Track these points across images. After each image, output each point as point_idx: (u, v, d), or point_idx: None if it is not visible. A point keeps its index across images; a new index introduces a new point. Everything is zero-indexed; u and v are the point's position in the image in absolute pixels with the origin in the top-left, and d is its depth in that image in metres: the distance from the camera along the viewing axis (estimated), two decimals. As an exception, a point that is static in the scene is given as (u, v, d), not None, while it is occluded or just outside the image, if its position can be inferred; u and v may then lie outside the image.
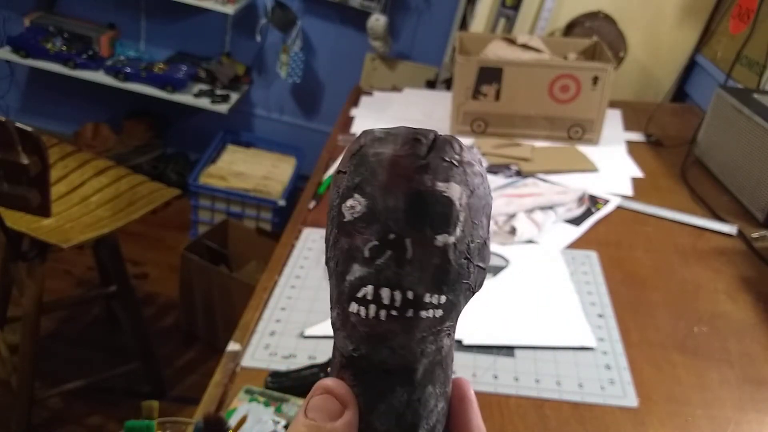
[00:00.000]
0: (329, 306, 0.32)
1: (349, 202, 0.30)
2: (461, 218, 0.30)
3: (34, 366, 1.55)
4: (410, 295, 0.29)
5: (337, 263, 0.31)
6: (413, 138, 0.31)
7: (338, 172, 0.31)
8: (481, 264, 0.32)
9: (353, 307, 0.30)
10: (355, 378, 0.30)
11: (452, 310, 0.31)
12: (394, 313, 0.29)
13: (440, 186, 0.30)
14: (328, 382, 0.30)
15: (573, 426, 0.77)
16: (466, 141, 1.45)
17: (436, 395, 0.31)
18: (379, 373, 0.30)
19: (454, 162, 0.30)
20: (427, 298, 0.30)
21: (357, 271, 0.30)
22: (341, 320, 0.30)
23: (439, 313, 0.30)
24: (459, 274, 0.31)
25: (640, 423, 0.78)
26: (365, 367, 0.30)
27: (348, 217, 0.30)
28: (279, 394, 0.76)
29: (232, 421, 0.71)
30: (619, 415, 0.79)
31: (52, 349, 1.93)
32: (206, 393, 0.79)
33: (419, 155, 0.30)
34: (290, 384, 0.78)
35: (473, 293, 0.32)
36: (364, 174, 0.30)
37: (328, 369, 0.33)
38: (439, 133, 0.31)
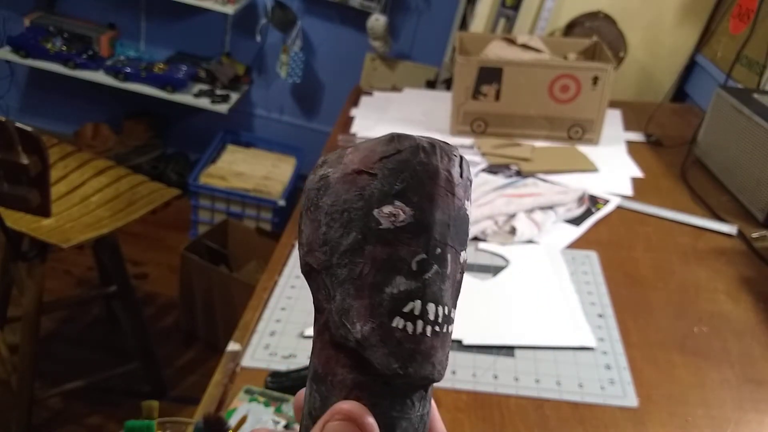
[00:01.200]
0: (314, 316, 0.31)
1: (388, 209, 0.28)
2: (470, 235, 0.32)
3: (34, 366, 1.55)
4: (446, 310, 0.30)
5: (368, 273, 0.29)
6: (453, 154, 0.30)
7: (359, 172, 0.30)
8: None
9: (398, 322, 0.28)
10: (377, 397, 0.29)
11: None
12: (437, 329, 0.29)
13: (466, 204, 0.31)
14: (347, 406, 0.28)
15: (573, 426, 0.77)
16: (466, 141, 1.45)
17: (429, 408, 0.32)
18: (401, 391, 0.29)
19: (469, 180, 0.31)
20: (453, 314, 0.30)
21: (402, 284, 0.28)
22: (380, 336, 0.28)
23: (453, 327, 0.31)
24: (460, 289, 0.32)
25: (640, 423, 0.78)
26: (397, 386, 0.29)
27: (386, 224, 0.28)
28: (279, 394, 0.76)
29: (232, 421, 0.71)
30: (619, 415, 0.79)
31: (52, 349, 1.93)
32: (206, 393, 0.79)
33: (456, 173, 0.30)
34: (290, 384, 0.78)
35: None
36: (408, 182, 0.29)
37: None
38: (459, 151, 0.32)
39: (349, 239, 0.29)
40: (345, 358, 0.29)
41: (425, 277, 0.28)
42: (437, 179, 0.29)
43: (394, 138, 0.30)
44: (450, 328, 0.30)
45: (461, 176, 0.30)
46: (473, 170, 1.33)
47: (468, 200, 0.31)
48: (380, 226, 0.28)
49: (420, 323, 0.28)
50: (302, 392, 0.32)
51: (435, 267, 0.29)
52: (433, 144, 0.30)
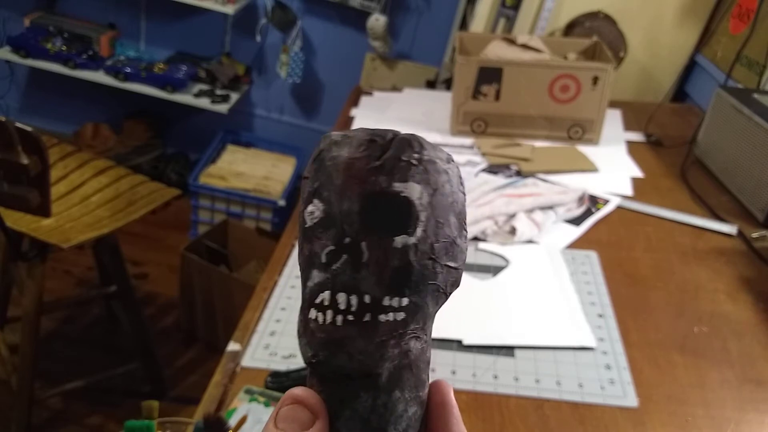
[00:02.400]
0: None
1: (309, 208, 0.30)
2: (422, 218, 0.30)
3: (34, 366, 1.55)
4: (367, 299, 0.29)
5: (301, 270, 0.31)
6: (368, 139, 0.30)
7: (304, 177, 0.31)
8: (450, 263, 0.31)
9: (312, 313, 0.30)
10: (321, 385, 0.30)
11: (417, 313, 0.30)
12: (350, 317, 0.29)
13: (397, 186, 0.29)
14: (297, 391, 0.29)
15: (573, 426, 0.77)
16: (466, 141, 1.45)
17: (406, 400, 0.30)
18: (342, 379, 0.30)
19: (413, 161, 0.30)
20: (386, 302, 0.29)
21: (315, 276, 0.30)
22: (302, 327, 0.30)
23: (400, 316, 0.29)
24: (423, 275, 0.30)
25: (640, 423, 0.78)
26: (327, 374, 0.30)
27: (309, 222, 0.30)
28: (279, 394, 0.76)
29: (232, 421, 0.71)
30: (619, 415, 0.79)
31: (52, 349, 1.93)
32: (206, 393, 0.79)
33: (374, 156, 0.30)
34: (290, 384, 0.78)
35: (445, 294, 0.31)
36: (321, 179, 0.30)
37: None
38: (400, 133, 0.31)
39: (298, 242, 0.31)
40: None
41: (333, 268, 0.29)
42: (345, 170, 0.29)
43: (320, 140, 0.31)
44: (385, 316, 0.29)
45: (401, 159, 0.30)
46: (473, 170, 1.33)
47: (408, 180, 0.29)
48: (306, 225, 0.30)
49: (330, 313, 0.29)
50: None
51: (344, 257, 0.29)
52: (347, 135, 0.31)
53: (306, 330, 0.30)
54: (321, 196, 0.30)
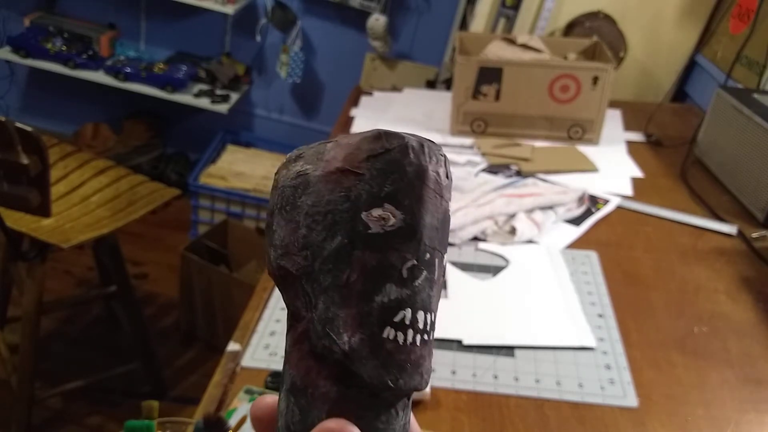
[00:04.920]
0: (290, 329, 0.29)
1: (377, 212, 0.27)
2: None
3: (34, 366, 1.55)
4: (433, 317, 0.29)
5: (356, 280, 0.27)
6: (440, 153, 0.29)
7: (343, 171, 0.28)
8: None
9: (389, 332, 0.27)
10: (362, 410, 0.28)
11: None
12: (425, 337, 0.28)
13: (450, 206, 0.30)
14: (333, 425, 0.27)
15: (573, 426, 0.77)
16: (466, 141, 1.45)
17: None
18: (386, 402, 0.28)
19: (451, 182, 0.31)
20: (437, 319, 0.29)
21: (393, 292, 0.27)
22: (370, 347, 0.27)
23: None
24: None
25: (640, 423, 0.78)
26: (384, 397, 0.28)
27: (375, 228, 0.27)
28: (279, 394, 0.76)
29: (232, 421, 0.71)
30: (619, 415, 0.79)
31: (52, 349, 1.93)
32: (206, 393, 0.79)
33: (446, 173, 0.29)
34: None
35: None
36: (398, 184, 0.27)
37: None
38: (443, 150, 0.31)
39: (334, 243, 0.27)
40: (327, 370, 0.28)
41: (416, 284, 0.27)
42: (427, 181, 0.28)
43: (381, 135, 0.28)
44: (434, 334, 0.29)
45: (447, 177, 0.30)
46: (473, 170, 1.33)
47: (450, 201, 0.30)
48: (369, 231, 0.27)
49: (410, 332, 0.27)
50: (262, 401, 0.30)
51: (425, 273, 0.28)
52: (421, 143, 0.28)
53: (377, 351, 0.27)
54: (399, 203, 0.27)
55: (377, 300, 0.27)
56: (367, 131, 0.29)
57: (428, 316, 0.28)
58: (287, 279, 0.28)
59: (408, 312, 0.27)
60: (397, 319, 0.27)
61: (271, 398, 0.30)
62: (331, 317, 0.27)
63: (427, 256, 0.28)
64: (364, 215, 0.27)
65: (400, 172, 0.27)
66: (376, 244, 0.27)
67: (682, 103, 1.84)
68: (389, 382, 0.27)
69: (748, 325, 0.96)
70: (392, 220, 0.27)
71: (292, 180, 0.29)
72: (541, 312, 0.96)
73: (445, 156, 0.30)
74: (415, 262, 0.27)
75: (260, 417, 0.30)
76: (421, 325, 0.28)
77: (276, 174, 0.30)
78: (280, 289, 0.29)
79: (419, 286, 0.27)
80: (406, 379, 0.28)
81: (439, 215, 0.29)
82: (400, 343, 0.27)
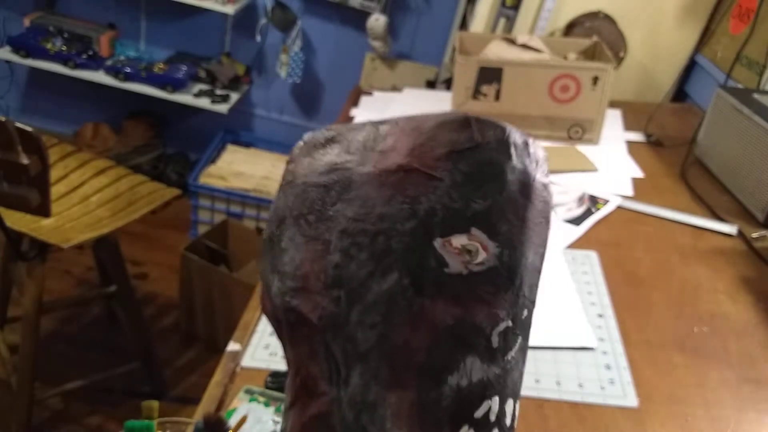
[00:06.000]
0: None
1: (460, 241, 0.16)
2: None
3: (34, 366, 1.55)
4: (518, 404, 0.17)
5: (419, 347, 0.16)
6: (542, 156, 0.18)
7: (409, 170, 0.16)
8: None
9: None
10: None
11: None
12: None
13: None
14: None
15: (573, 426, 0.77)
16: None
17: None
18: None
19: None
20: None
21: (477, 370, 0.16)
22: None
23: None
24: None
25: (640, 423, 0.78)
26: None
27: (456, 267, 0.16)
28: (279, 394, 0.76)
29: (232, 421, 0.71)
30: (619, 415, 0.79)
31: (52, 349, 1.93)
32: (206, 393, 0.79)
33: (549, 187, 0.18)
34: (290, 384, 0.78)
35: None
36: (495, 198, 0.16)
37: None
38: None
39: (387, 283, 0.17)
40: None
41: (508, 359, 0.17)
42: (533, 198, 0.17)
43: (469, 121, 0.17)
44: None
45: (550, 191, 0.18)
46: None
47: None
48: (445, 269, 0.16)
49: None
50: None
51: (520, 341, 0.17)
52: (526, 140, 0.18)
53: None
54: (492, 228, 0.16)
55: (451, 382, 0.17)
56: (447, 112, 0.18)
57: (516, 405, 0.18)
58: (300, 327, 0.17)
59: (495, 402, 0.17)
60: (479, 414, 0.17)
61: None
62: (373, 402, 0.17)
63: (525, 313, 0.18)
64: (438, 244, 0.17)
65: (498, 181, 0.17)
66: (455, 291, 0.17)
67: (682, 103, 1.83)
68: None
69: (748, 325, 0.96)
70: (482, 255, 0.17)
71: (322, 176, 0.18)
72: (541, 312, 0.96)
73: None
74: (510, 323, 0.17)
75: None
76: (508, 421, 0.17)
77: (289, 163, 0.18)
78: (281, 340, 0.17)
79: (512, 361, 0.17)
80: None
81: (542, 251, 0.18)
82: None
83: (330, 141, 0.18)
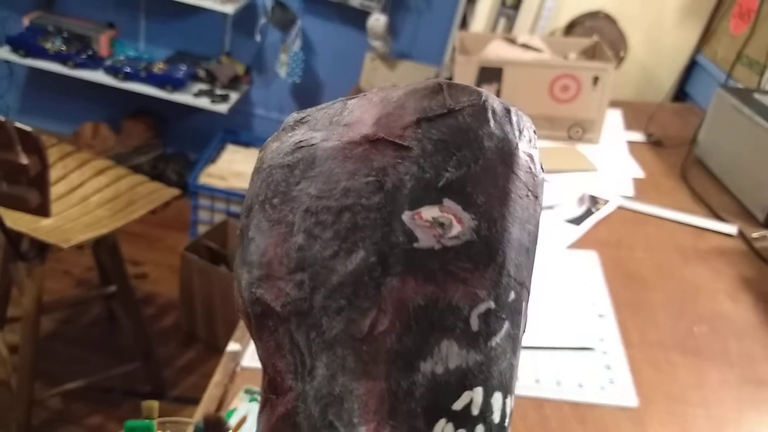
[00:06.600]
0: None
1: (431, 213, 0.15)
2: None
3: (34, 366, 1.55)
4: (513, 400, 0.17)
5: (386, 330, 0.15)
6: (531, 129, 0.17)
7: (374, 141, 0.16)
8: None
9: (443, 429, 0.15)
10: None
11: None
12: None
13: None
14: None
15: (573, 426, 0.77)
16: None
17: None
18: None
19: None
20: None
21: (453, 355, 0.15)
22: None
23: None
24: None
25: (640, 423, 0.78)
26: None
27: (427, 241, 0.15)
28: (279, 394, 0.76)
29: (232, 421, 0.71)
30: (619, 415, 0.79)
31: (52, 349, 1.93)
32: (206, 393, 0.79)
33: (540, 163, 0.17)
34: (290, 384, 0.78)
35: None
36: (469, 167, 0.15)
37: None
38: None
39: (352, 263, 0.15)
40: None
41: (491, 345, 0.16)
42: (515, 167, 0.16)
43: (441, 87, 0.16)
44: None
45: (542, 168, 0.17)
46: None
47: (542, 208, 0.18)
48: (415, 244, 0.15)
49: (480, 430, 0.15)
50: None
51: (506, 326, 0.16)
52: (507, 108, 0.17)
53: None
54: (467, 198, 0.15)
55: (424, 369, 0.15)
56: (419, 81, 0.17)
57: (508, 401, 0.16)
58: (265, 320, 0.16)
59: (477, 394, 0.15)
60: (457, 406, 0.15)
61: None
62: (340, 394, 0.15)
63: (512, 295, 0.16)
64: (407, 217, 0.16)
65: (474, 148, 0.15)
66: (426, 267, 0.15)
67: (682, 103, 1.83)
68: None
69: (748, 326, 0.95)
70: (456, 229, 0.16)
71: (287, 156, 0.17)
72: (540, 312, 0.96)
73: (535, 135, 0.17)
74: (493, 304, 0.16)
75: None
76: (496, 417, 0.15)
77: (261, 151, 0.18)
78: (252, 336, 0.17)
79: (497, 348, 0.16)
80: None
81: (532, 227, 0.17)
82: None
83: (299, 122, 0.17)
